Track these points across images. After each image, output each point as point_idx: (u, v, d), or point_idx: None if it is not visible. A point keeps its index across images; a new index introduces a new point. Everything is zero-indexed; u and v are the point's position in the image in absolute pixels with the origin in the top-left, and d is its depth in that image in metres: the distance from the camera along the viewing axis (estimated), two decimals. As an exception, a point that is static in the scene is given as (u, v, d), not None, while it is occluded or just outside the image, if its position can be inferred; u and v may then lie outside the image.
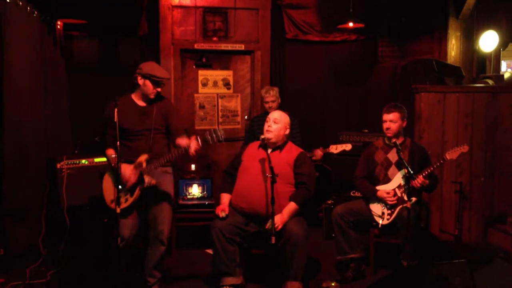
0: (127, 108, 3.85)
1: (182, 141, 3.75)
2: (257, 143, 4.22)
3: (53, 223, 4.90)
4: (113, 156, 3.75)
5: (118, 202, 3.54)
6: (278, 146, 4.13)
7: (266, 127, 4.11)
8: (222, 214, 3.95)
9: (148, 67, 3.85)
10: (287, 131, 4.16)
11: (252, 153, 4.19)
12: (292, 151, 4.15)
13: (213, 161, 6.41)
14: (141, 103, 3.93)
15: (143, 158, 3.77)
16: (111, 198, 3.83)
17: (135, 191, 3.77)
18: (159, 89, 3.88)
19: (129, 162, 3.77)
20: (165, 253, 3.94)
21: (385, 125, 4.35)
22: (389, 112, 4.34)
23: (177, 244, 4.90)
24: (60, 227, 4.81)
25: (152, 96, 3.88)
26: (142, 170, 3.75)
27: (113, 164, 3.79)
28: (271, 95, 5.30)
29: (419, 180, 4.05)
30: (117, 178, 3.56)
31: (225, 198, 4.17)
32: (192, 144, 3.63)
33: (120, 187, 3.60)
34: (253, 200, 3.93)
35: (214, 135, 3.62)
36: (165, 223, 3.86)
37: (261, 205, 3.89)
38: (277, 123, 4.10)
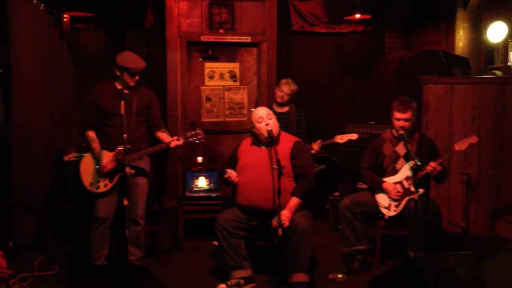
0: (109, 92, 4.02)
1: (165, 137, 4.09)
2: (249, 140, 4.18)
3: (61, 215, 4.93)
4: (95, 139, 4.02)
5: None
6: (274, 141, 4.00)
7: (263, 126, 3.97)
8: (231, 172, 4.01)
9: (122, 58, 3.98)
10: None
11: (247, 150, 4.13)
12: (286, 142, 4.08)
13: (219, 153, 6.41)
14: (124, 90, 4.05)
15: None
16: (89, 181, 3.99)
17: (115, 177, 3.98)
18: (136, 78, 4.02)
19: (108, 149, 3.98)
20: (141, 232, 4.14)
21: (398, 124, 4.19)
22: (404, 111, 4.17)
23: (184, 236, 4.93)
24: (68, 219, 4.84)
25: (132, 84, 4.03)
26: (122, 159, 3.84)
27: (93, 147, 4.01)
28: (289, 88, 5.23)
29: (432, 164, 4.00)
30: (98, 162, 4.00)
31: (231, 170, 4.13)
32: (174, 142, 3.97)
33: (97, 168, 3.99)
34: (257, 195, 3.90)
35: (194, 138, 4.00)
36: (139, 206, 4.09)
37: (265, 199, 3.87)
38: (270, 118, 4.02)
